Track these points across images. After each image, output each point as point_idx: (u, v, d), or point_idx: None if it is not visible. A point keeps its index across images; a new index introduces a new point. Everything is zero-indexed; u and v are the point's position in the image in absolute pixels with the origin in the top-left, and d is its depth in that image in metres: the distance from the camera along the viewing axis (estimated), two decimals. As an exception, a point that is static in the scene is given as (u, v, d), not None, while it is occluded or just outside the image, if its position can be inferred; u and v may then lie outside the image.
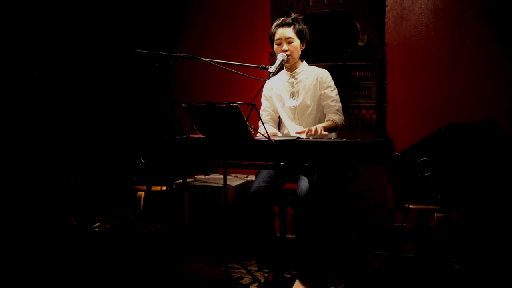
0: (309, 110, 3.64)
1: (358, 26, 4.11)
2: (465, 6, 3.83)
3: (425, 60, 3.95)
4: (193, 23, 4.72)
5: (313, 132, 3.28)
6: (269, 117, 3.77)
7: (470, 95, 3.83)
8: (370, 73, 4.10)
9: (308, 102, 3.63)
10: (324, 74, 3.64)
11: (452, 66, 3.88)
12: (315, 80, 3.63)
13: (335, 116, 3.55)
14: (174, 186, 4.02)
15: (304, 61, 3.72)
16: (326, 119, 3.59)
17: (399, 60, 4.01)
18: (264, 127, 3.04)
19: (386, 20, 4.02)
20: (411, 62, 3.99)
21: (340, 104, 3.62)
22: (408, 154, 3.23)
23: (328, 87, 3.62)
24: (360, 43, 4.14)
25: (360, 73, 4.12)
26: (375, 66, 4.04)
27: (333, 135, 3.56)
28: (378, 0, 3.99)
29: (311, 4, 4.21)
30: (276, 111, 3.78)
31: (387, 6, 4.01)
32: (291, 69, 3.68)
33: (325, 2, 4.20)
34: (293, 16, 3.67)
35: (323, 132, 3.30)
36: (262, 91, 3.78)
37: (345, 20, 4.15)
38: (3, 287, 3.01)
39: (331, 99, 3.60)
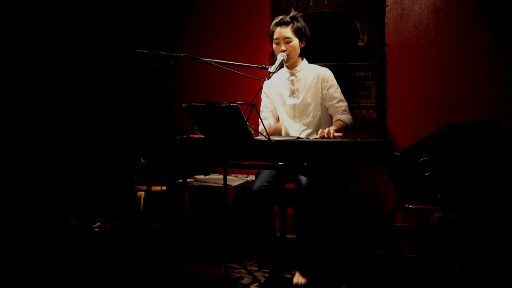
0: (310, 109, 3.63)
1: (358, 26, 4.11)
2: (465, 6, 3.83)
3: (425, 60, 3.95)
4: (193, 23, 4.72)
5: (325, 135, 3.27)
6: (270, 113, 3.77)
7: (470, 95, 3.83)
8: (370, 73, 4.10)
9: (309, 100, 3.63)
10: (326, 73, 3.64)
11: (452, 66, 3.88)
12: (316, 78, 3.63)
13: (343, 115, 3.55)
14: (174, 186, 4.02)
15: (304, 59, 3.72)
16: (334, 119, 3.59)
17: (399, 60, 4.01)
18: (264, 126, 3.03)
19: (386, 20, 4.02)
20: (411, 62, 3.99)
21: (346, 103, 3.61)
22: (408, 154, 3.23)
23: (331, 86, 3.62)
24: (360, 43, 4.14)
25: (360, 73, 4.12)
26: (375, 66, 4.04)
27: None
28: (378, 0, 3.99)
29: (311, 4, 4.21)
30: (276, 108, 3.78)
31: (387, 6, 4.01)
32: (291, 67, 3.68)
33: (325, 2, 4.20)
34: (292, 13, 3.65)
35: (336, 134, 3.29)
36: (261, 90, 3.78)
37: (345, 20, 4.15)
38: (3, 287, 3.01)
39: (337, 99, 3.60)
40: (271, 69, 3.47)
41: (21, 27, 4.08)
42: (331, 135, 3.27)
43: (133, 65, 4.62)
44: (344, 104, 3.60)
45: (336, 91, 3.62)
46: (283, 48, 3.57)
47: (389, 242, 3.93)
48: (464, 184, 3.16)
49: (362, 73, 4.12)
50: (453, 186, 3.14)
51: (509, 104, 3.72)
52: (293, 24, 3.58)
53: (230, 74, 3.54)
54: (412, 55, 3.98)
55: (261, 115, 3.76)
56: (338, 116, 3.56)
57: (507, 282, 3.27)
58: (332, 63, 4.08)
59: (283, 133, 3.63)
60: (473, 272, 3.48)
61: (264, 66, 3.50)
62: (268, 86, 3.76)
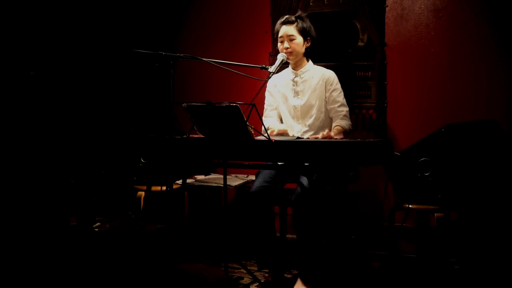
0: (313, 110, 3.64)
1: (358, 26, 4.11)
2: (465, 6, 3.83)
3: (425, 60, 3.95)
4: (193, 23, 4.72)
5: (326, 137, 3.28)
6: (274, 111, 3.77)
7: (470, 95, 3.83)
8: (370, 73, 4.10)
9: (313, 102, 3.63)
10: (331, 76, 3.64)
11: (451, 66, 3.88)
12: (321, 80, 3.63)
13: (342, 121, 3.56)
14: (174, 186, 4.03)
15: (310, 61, 3.72)
16: (334, 124, 3.59)
17: (399, 60, 4.01)
18: (264, 125, 3.03)
19: (386, 20, 4.02)
20: (411, 62, 3.99)
21: (347, 109, 3.62)
22: (408, 154, 3.23)
23: (335, 90, 3.62)
24: (360, 43, 4.14)
25: (360, 73, 4.12)
26: (375, 66, 4.04)
27: None
28: (378, 0, 3.99)
29: (311, 4, 4.21)
30: (279, 108, 3.78)
31: (387, 6, 4.01)
32: (296, 67, 3.68)
33: (325, 2, 4.20)
34: (298, 13, 3.68)
35: (336, 136, 3.29)
36: (262, 90, 3.77)
37: (345, 20, 4.15)
38: (3, 287, 3.01)
39: (339, 103, 3.60)
40: (271, 69, 3.47)
41: (20, 27, 4.08)
42: (332, 136, 3.27)
43: (133, 65, 4.62)
44: (345, 109, 3.60)
45: (339, 95, 3.62)
46: (286, 45, 3.57)
47: (389, 242, 3.93)
48: (464, 184, 3.16)
49: (362, 73, 4.12)
50: (453, 186, 3.14)
51: (509, 104, 3.72)
52: (298, 23, 3.59)
53: (230, 74, 3.54)
54: (412, 55, 3.98)
55: (265, 113, 3.77)
56: (338, 121, 3.57)
57: (507, 282, 3.27)
58: (332, 63, 4.08)
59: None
60: (473, 272, 3.48)
61: (264, 66, 3.50)
62: (272, 85, 3.77)
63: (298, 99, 3.67)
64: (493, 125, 3.40)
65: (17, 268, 3.10)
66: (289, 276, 3.67)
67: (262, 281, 3.55)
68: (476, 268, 3.49)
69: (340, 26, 4.19)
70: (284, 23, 3.62)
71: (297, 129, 3.66)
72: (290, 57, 3.60)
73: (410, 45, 3.98)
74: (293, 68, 3.70)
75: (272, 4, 4.31)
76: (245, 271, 3.70)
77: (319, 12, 4.20)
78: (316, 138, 3.31)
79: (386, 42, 4.02)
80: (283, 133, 3.55)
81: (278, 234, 3.74)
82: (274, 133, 3.54)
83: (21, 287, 3.04)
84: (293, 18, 3.61)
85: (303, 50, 3.63)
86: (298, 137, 3.27)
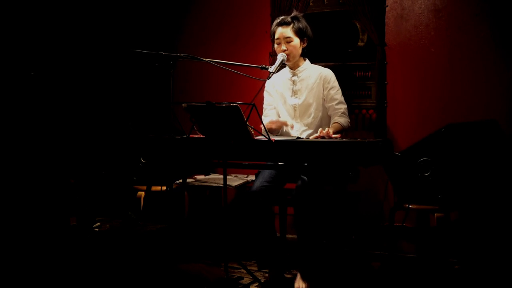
0: (311, 109, 3.64)
1: (358, 26, 4.11)
2: (465, 6, 3.83)
3: (425, 60, 3.95)
4: (193, 23, 4.72)
5: (324, 135, 3.27)
6: (274, 111, 3.77)
7: (470, 95, 3.83)
8: (370, 73, 4.10)
9: (311, 101, 3.63)
10: (328, 74, 3.64)
11: (451, 66, 3.88)
12: (318, 79, 3.63)
13: (341, 118, 3.55)
14: (174, 186, 4.03)
15: (307, 60, 3.72)
16: (332, 121, 3.59)
17: (399, 60, 4.01)
18: (264, 126, 3.03)
19: (386, 20, 4.02)
20: (411, 62, 3.99)
21: (345, 106, 3.62)
22: (408, 154, 3.23)
23: (333, 87, 3.61)
24: (360, 43, 4.14)
25: (360, 73, 4.12)
26: (375, 66, 4.04)
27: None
28: (378, 0, 3.99)
29: (311, 4, 4.21)
30: (277, 108, 3.78)
31: (387, 6, 4.01)
32: (293, 67, 3.68)
33: (325, 2, 4.20)
34: (293, 14, 3.67)
35: (334, 135, 3.29)
36: (262, 90, 3.78)
37: (345, 20, 4.15)
38: (3, 287, 3.01)
39: (337, 101, 3.60)
40: (271, 69, 3.47)
41: (20, 27, 4.08)
42: (331, 134, 3.27)
43: (133, 65, 4.62)
44: (343, 106, 3.60)
45: (337, 92, 3.62)
46: (283, 47, 3.57)
47: (389, 242, 3.94)
48: (464, 184, 3.17)
49: (362, 73, 4.12)
50: (453, 186, 3.15)
51: (509, 104, 3.72)
52: (294, 24, 3.58)
53: (230, 74, 3.54)
54: (412, 55, 3.98)
55: (264, 112, 3.77)
56: (336, 118, 3.57)
57: (507, 282, 3.27)
58: (332, 63, 4.08)
59: (288, 128, 3.62)
60: (473, 272, 3.48)
61: (264, 66, 3.50)
62: (270, 85, 3.77)
63: (296, 98, 3.67)
64: (493, 125, 3.40)
65: (17, 268, 3.10)
66: (289, 276, 3.67)
67: (262, 281, 3.56)
68: (476, 268, 3.50)
69: (340, 26, 4.19)
70: (280, 24, 3.61)
71: (296, 128, 3.66)
72: (289, 59, 3.60)
73: (410, 45, 3.98)
74: (290, 68, 3.70)
75: (272, 4, 4.31)
76: (245, 271, 3.70)
77: (319, 12, 4.20)
78: (316, 137, 3.31)
79: (386, 42, 4.02)
80: (284, 124, 3.54)
81: (278, 234, 3.74)
82: (274, 126, 3.53)
83: (21, 287, 3.04)
84: (289, 19, 3.60)
85: (300, 51, 3.63)
86: (298, 137, 3.27)
